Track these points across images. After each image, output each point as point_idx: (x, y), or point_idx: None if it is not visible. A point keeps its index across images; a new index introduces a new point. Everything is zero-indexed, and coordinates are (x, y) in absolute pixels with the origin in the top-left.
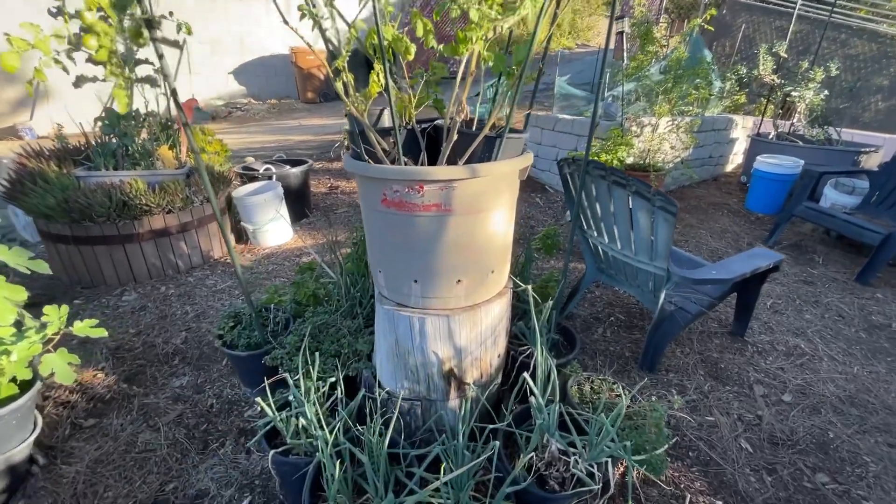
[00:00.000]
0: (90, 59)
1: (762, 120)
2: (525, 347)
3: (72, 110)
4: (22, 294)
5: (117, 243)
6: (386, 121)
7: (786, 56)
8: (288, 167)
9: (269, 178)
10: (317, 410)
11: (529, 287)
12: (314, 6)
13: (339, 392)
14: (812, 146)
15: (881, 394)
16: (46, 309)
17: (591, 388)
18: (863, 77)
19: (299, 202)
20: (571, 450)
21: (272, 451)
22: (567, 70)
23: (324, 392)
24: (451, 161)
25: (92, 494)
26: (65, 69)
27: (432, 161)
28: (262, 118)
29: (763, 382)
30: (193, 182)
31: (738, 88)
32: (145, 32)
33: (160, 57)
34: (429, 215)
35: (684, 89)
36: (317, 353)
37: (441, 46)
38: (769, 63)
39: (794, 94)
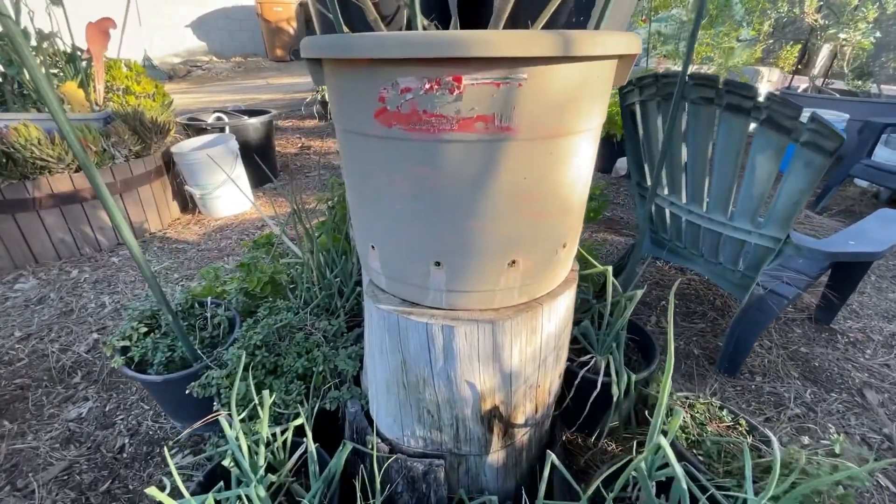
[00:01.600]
0: None
1: (795, 71)
2: (588, 357)
3: None
4: None
5: (5, 212)
6: None
7: None
8: (245, 117)
9: (221, 130)
10: (276, 483)
11: (609, 269)
12: None
13: (309, 444)
14: (854, 99)
15: None
16: None
17: (693, 416)
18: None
19: (263, 162)
20: None
21: None
22: None
23: (286, 440)
24: (512, 25)
25: None
26: None
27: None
28: (226, 77)
29: (873, 385)
30: (114, 131)
31: (767, 34)
32: None
33: None
34: (470, 139)
35: (725, 30)
36: (274, 378)
37: None
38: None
39: (840, 35)
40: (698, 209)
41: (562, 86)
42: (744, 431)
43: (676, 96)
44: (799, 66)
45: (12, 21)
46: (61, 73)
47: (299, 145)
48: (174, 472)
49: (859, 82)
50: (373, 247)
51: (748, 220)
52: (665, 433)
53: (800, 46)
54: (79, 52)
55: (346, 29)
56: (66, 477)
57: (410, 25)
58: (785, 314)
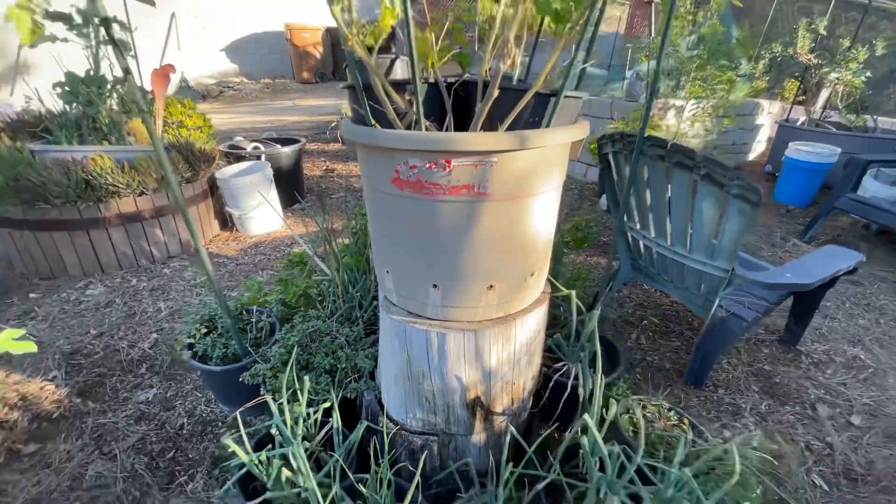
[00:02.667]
0: (47, 16)
1: (792, 105)
2: (561, 364)
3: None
4: None
5: (80, 229)
6: (399, 73)
7: (824, 33)
8: (279, 146)
9: (258, 157)
10: (309, 448)
11: (573, 293)
12: None
13: (335, 421)
14: (848, 133)
15: None
16: None
17: (645, 416)
18: None
19: (291, 186)
20: None
21: None
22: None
23: (316, 419)
24: (489, 128)
25: None
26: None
27: (460, 128)
28: (256, 98)
29: (826, 401)
30: (172, 160)
31: (768, 69)
32: None
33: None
34: (457, 201)
35: (718, 68)
36: (306, 372)
37: None
38: (806, 40)
39: (832, 75)
40: (664, 242)
41: (522, 165)
42: (686, 428)
43: (636, 154)
44: (803, 98)
45: (139, 92)
46: (129, 112)
47: (324, 168)
48: (243, 435)
49: (852, 117)
50: (388, 272)
51: (703, 252)
52: (604, 420)
53: (797, 83)
54: (143, 92)
55: (373, 122)
56: (139, 446)
57: (419, 121)
58: (755, 335)
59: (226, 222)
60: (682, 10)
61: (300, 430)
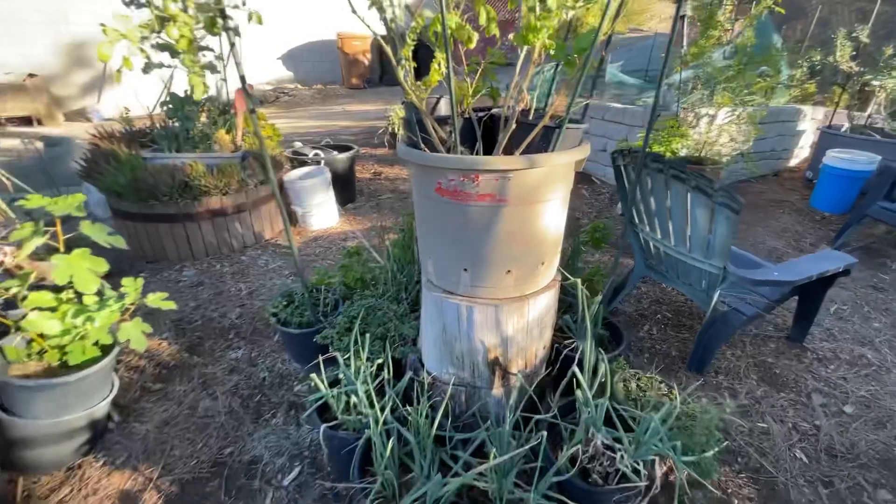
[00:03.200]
0: (156, 46)
1: (835, 111)
2: (570, 341)
3: (137, 93)
4: (103, 266)
5: (178, 221)
6: (443, 109)
7: (867, 41)
8: (335, 153)
9: (318, 163)
10: (367, 389)
11: (578, 280)
12: None
13: (387, 373)
14: (890, 140)
15: None
16: (124, 281)
17: (638, 385)
18: None
19: (345, 187)
20: (617, 445)
21: (323, 426)
22: (619, 56)
23: (371, 372)
24: (508, 151)
25: (160, 452)
26: (147, 57)
27: (488, 150)
28: (308, 103)
29: (822, 392)
30: (248, 165)
31: (808, 77)
32: (219, 22)
33: (232, 45)
34: (483, 205)
35: (750, 78)
36: (375, 332)
37: (511, 36)
38: (847, 49)
39: (874, 82)
40: (668, 243)
41: (533, 179)
42: (673, 396)
43: (639, 168)
44: (856, 103)
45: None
46: (216, 124)
47: (373, 171)
48: (323, 376)
49: (893, 125)
50: (430, 259)
51: (700, 253)
52: (602, 384)
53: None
54: (229, 109)
55: (423, 147)
56: (234, 390)
57: (456, 147)
58: (763, 332)
59: (291, 218)
60: (721, 18)
61: (361, 377)
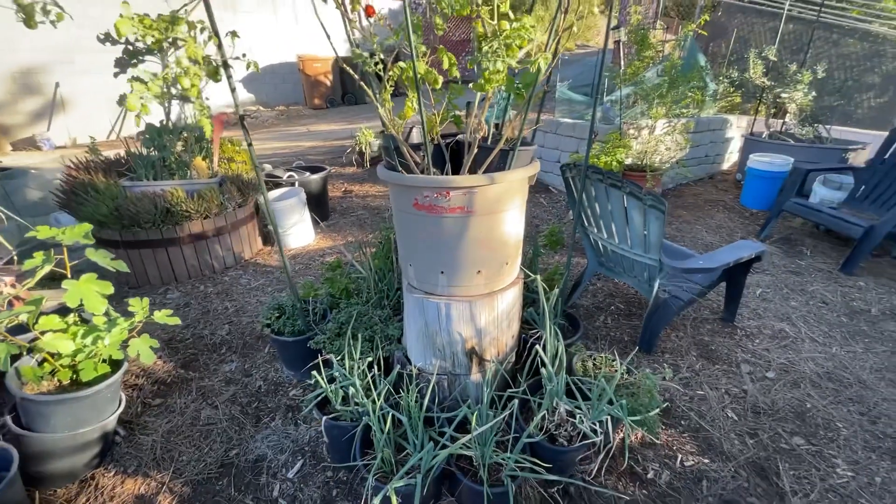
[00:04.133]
0: (130, 80)
1: (755, 120)
2: (535, 331)
3: (87, 121)
4: (109, 288)
5: (161, 247)
6: (415, 137)
7: (775, 59)
8: (308, 174)
9: (292, 184)
10: (365, 381)
11: (538, 277)
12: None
13: (377, 369)
14: (802, 144)
15: (856, 370)
16: (131, 301)
17: (594, 363)
18: (855, 75)
19: (319, 206)
20: (577, 411)
21: (325, 417)
22: (567, 73)
23: (363, 370)
24: (472, 170)
25: (169, 458)
26: (166, 105)
27: (455, 171)
28: (272, 125)
29: (749, 362)
30: (226, 190)
31: (732, 90)
32: (221, 71)
33: (233, 91)
34: (454, 216)
35: (679, 92)
36: (362, 335)
37: (472, 85)
38: (759, 67)
39: (783, 95)
40: (614, 242)
41: (494, 193)
42: (623, 372)
43: (582, 178)
44: (774, 112)
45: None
46: (192, 151)
47: (343, 189)
48: (322, 375)
49: (803, 130)
50: (410, 265)
51: (640, 248)
52: (561, 362)
53: (757, 102)
54: (202, 135)
55: (400, 169)
56: (232, 399)
57: (429, 169)
58: (701, 315)
59: (266, 239)
60: (653, 41)
61: (356, 373)
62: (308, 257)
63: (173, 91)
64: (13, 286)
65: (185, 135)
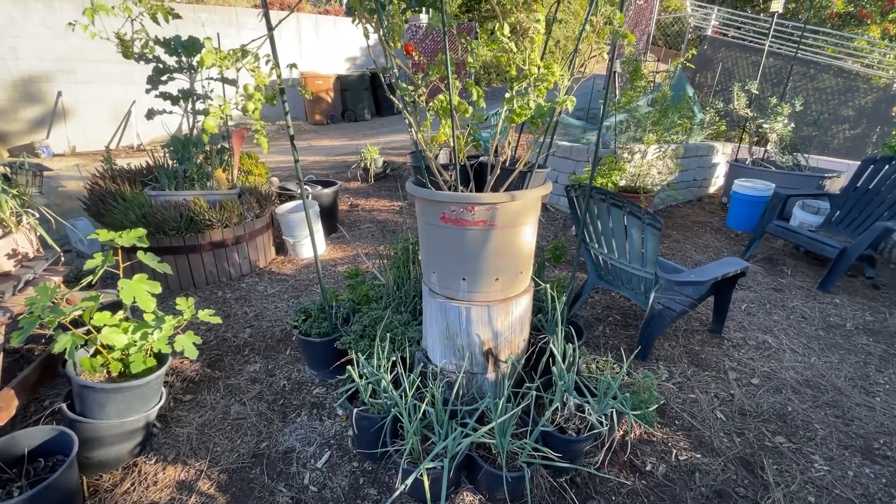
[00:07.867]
0: (159, 95)
1: (739, 147)
2: (543, 336)
3: (86, 130)
4: (157, 288)
5: (183, 253)
6: (441, 158)
7: (757, 92)
8: (320, 188)
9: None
10: (396, 374)
11: (548, 285)
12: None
13: (400, 367)
14: (782, 171)
15: (832, 378)
16: (179, 300)
17: (597, 366)
18: (830, 108)
19: (329, 219)
20: (585, 406)
21: (355, 409)
22: None
23: (387, 368)
24: (494, 188)
25: (204, 449)
26: (226, 123)
27: (478, 188)
28: (274, 139)
29: (736, 369)
30: (245, 200)
31: (717, 119)
32: (279, 97)
33: (286, 114)
34: (477, 229)
35: (669, 121)
36: (387, 336)
37: (503, 118)
38: (742, 99)
39: (764, 126)
40: (614, 256)
41: (514, 209)
42: (624, 374)
43: (586, 199)
44: (757, 140)
45: (304, 192)
46: (212, 164)
47: (349, 203)
48: (355, 371)
49: (783, 158)
50: (434, 272)
51: (637, 262)
52: (571, 364)
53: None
54: (224, 148)
55: (429, 186)
56: (259, 397)
57: (457, 187)
58: (692, 327)
59: (279, 248)
60: (644, 72)
61: (384, 369)
62: (321, 266)
63: (199, 107)
64: (60, 286)
65: (208, 147)
